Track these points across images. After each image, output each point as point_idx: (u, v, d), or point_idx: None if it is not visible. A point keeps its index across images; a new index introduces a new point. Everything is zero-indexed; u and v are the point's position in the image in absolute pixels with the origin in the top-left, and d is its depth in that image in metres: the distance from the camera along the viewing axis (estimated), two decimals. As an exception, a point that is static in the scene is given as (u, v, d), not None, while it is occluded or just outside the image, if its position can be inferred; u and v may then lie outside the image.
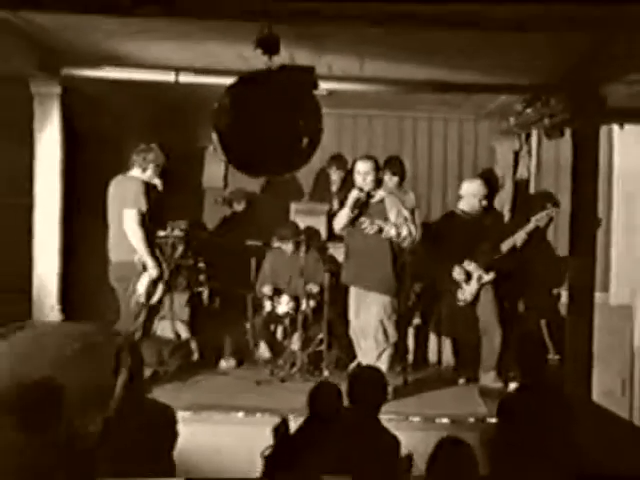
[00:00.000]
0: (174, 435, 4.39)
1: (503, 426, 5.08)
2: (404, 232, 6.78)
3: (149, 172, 7.03)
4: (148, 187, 7.02)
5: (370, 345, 6.92)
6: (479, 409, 6.88)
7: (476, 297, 7.60)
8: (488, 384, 7.59)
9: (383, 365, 6.84)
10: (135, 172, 7.03)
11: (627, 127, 7.97)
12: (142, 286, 6.82)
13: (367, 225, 6.78)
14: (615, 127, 7.98)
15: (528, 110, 7.62)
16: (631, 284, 8.02)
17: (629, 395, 8.00)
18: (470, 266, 7.60)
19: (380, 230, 6.78)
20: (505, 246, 7.57)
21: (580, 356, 6.83)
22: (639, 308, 8.05)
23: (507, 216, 9.00)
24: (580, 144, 6.92)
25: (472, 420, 6.54)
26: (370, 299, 6.93)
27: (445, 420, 6.60)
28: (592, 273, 6.89)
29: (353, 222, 6.92)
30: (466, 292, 7.60)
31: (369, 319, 6.91)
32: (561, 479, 4.12)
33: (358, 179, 6.93)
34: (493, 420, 5.60)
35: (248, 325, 8.26)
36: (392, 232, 6.76)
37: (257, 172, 5.69)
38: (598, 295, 7.68)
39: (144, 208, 6.84)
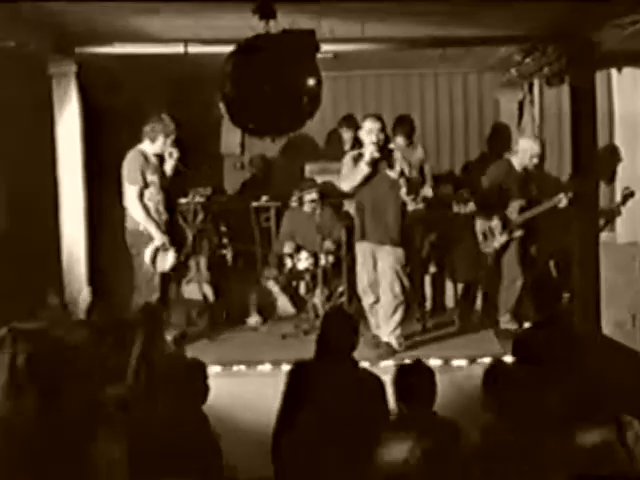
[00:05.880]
0: (205, 388, 4.69)
1: (519, 361, 5.37)
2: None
3: (159, 143, 7.09)
4: (160, 159, 7.17)
5: (387, 299, 7.03)
6: (495, 349, 7.12)
7: (503, 247, 7.83)
8: (504, 325, 7.88)
9: (398, 316, 7.07)
10: (145, 144, 7.11)
11: (625, 71, 7.99)
12: (148, 254, 6.97)
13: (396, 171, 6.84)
14: (614, 71, 8.06)
15: (527, 60, 7.67)
16: (637, 222, 8.13)
17: (640, 327, 8.17)
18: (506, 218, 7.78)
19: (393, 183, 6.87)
20: (544, 207, 7.63)
21: (588, 293, 7.04)
22: (646, 245, 8.16)
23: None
24: (577, 90, 7.05)
25: (489, 359, 6.80)
26: (383, 253, 7.04)
27: (463, 361, 6.87)
28: (595, 213, 7.09)
29: (367, 180, 7.02)
30: (495, 242, 7.84)
31: (384, 273, 7.04)
32: (572, 408, 4.40)
33: (369, 137, 6.94)
34: (508, 358, 5.86)
35: (271, 282, 8.51)
36: (403, 191, 6.90)
37: (262, 133, 5.88)
38: (605, 235, 7.87)
39: (140, 183, 6.96)
